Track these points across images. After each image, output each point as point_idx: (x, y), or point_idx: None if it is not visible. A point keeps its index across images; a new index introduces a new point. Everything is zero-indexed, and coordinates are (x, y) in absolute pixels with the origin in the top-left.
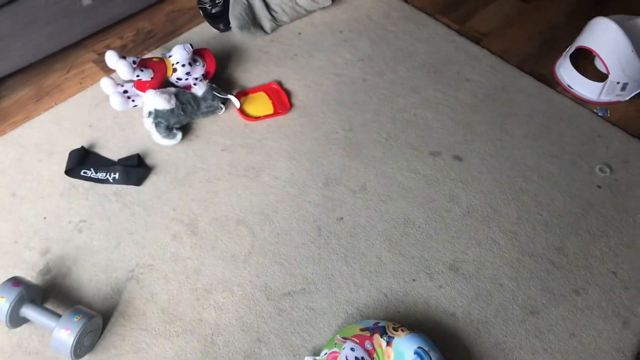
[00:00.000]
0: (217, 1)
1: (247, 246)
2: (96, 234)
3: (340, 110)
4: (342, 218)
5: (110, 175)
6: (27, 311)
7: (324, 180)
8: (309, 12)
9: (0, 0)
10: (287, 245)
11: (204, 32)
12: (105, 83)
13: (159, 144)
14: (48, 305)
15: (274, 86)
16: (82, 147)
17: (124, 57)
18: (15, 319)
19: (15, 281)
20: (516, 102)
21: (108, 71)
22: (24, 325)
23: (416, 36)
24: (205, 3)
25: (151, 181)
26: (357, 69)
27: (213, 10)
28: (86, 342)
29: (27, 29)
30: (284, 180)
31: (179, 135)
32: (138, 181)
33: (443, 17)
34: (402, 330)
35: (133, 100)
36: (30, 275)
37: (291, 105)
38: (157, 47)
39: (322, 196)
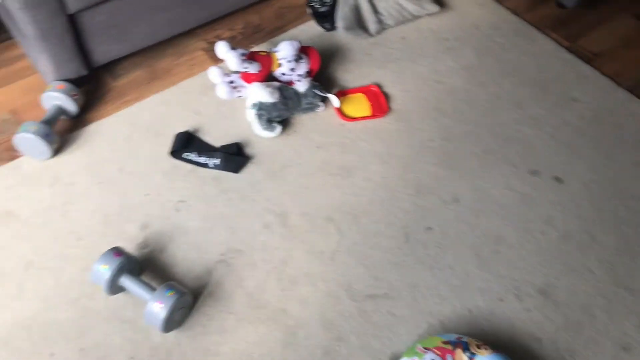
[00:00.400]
0: (325, 0)
1: (334, 244)
2: (193, 215)
3: (439, 119)
4: (431, 228)
5: (211, 161)
6: (125, 281)
7: (415, 188)
8: (415, 18)
9: None
10: (374, 248)
11: (310, 30)
12: (213, 72)
13: (259, 135)
14: (143, 278)
15: (373, 88)
16: (187, 131)
17: (234, 49)
18: (114, 287)
19: (117, 251)
20: (625, 128)
21: (216, 60)
22: (121, 294)
23: (524, 50)
24: (314, 2)
25: (248, 170)
26: (459, 78)
27: (321, 10)
28: (176, 317)
29: (148, 14)
30: (375, 183)
31: (279, 128)
32: (236, 169)
33: (554, 33)
34: (486, 349)
35: (238, 91)
36: (130, 247)
37: (389, 108)
38: (263, 42)
39: (413, 203)
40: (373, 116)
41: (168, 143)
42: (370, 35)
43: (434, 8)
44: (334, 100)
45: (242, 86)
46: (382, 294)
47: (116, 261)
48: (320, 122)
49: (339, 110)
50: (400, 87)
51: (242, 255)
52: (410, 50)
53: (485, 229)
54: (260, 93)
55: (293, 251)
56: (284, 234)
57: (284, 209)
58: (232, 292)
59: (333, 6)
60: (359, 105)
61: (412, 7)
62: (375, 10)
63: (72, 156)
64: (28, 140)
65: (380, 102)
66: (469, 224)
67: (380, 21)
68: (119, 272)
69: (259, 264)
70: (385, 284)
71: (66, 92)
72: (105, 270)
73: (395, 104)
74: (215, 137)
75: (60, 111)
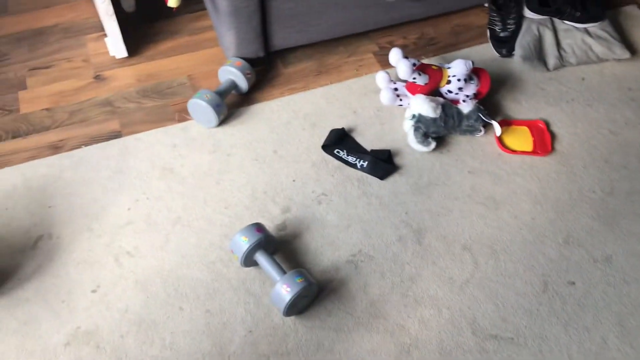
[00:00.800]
0: (508, 26)
1: (467, 274)
2: (332, 210)
3: (605, 170)
4: (573, 283)
5: (359, 162)
6: (260, 257)
7: (564, 237)
8: (601, 60)
9: None
10: (508, 288)
11: (484, 52)
12: (380, 77)
13: (412, 147)
14: (276, 258)
15: (539, 124)
16: (343, 128)
17: (406, 58)
18: (249, 260)
19: (259, 227)
20: None
21: (384, 65)
22: (252, 268)
23: None
24: (495, 25)
25: (394, 179)
26: (637, 132)
27: (501, 34)
28: (299, 304)
29: (330, 10)
30: (522, 222)
31: (433, 144)
32: (383, 175)
33: None
34: None
35: (400, 100)
36: (269, 226)
37: (552, 148)
38: (434, 55)
39: (559, 253)
40: (534, 153)
41: (322, 136)
42: (547, 69)
43: (624, 54)
44: (497, 128)
45: (405, 95)
46: (507, 337)
47: (256, 236)
48: (476, 147)
49: (499, 140)
50: (569, 129)
51: (371, 261)
52: (588, 93)
53: (635, 298)
54: (423, 106)
55: (423, 271)
56: (417, 251)
57: (422, 227)
58: (355, 295)
59: (515, 32)
60: (521, 139)
61: (600, 49)
62: (559, 45)
63: (235, 129)
64: (200, 107)
65: (544, 139)
66: (617, 288)
67: (561, 57)
68: (257, 247)
69: (386, 274)
70: (512, 328)
71: (242, 70)
72: (244, 243)
73: (560, 145)
74: (368, 140)
75: (233, 86)
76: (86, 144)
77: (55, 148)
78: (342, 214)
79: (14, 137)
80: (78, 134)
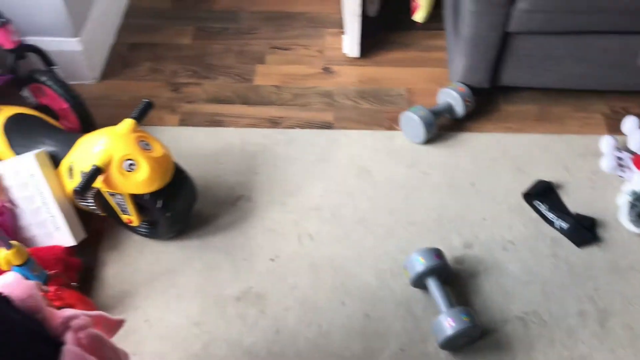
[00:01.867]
0: None
1: None
2: (516, 261)
3: None
4: None
5: (558, 221)
6: (431, 283)
7: None
8: None
9: (562, 29)
10: None
11: None
12: (606, 141)
13: (621, 224)
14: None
15: None
16: (550, 182)
17: None
18: (419, 282)
19: (438, 254)
20: None
21: (611, 130)
22: (419, 290)
23: None
24: None
25: (591, 250)
26: None
27: None
28: (458, 342)
29: (569, 60)
30: None
31: None
32: (581, 242)
33: None
34: None
35: (622, 171)
36: (447, 254)
37: None
38: None
39: None
40: None
41: (525, 183)
42: None
43: None
44: None
45: (628, 168)
46: None
47: (434, 261)
48: None
49: None
50: None
51: (543, 326)
52: None
53: None
54: None
55: (597, 355)
56: (596, 332)
57: (609, 309)
58: (516, 354)
59: None
60: None
61: None
62: None
63: (438, 151)
64: (412, 121)
65: None
66: None
67: None
68: (431, 272)
69: (556, 345)
70: None
71: (463, 96)
72: (420, 263)
73: None
74: (574, 202)
75: (449, 109)
76: (300, 127)
77: (274, 123)
78: (525, 268)
79: (243, 103)
80: (296, 115)
